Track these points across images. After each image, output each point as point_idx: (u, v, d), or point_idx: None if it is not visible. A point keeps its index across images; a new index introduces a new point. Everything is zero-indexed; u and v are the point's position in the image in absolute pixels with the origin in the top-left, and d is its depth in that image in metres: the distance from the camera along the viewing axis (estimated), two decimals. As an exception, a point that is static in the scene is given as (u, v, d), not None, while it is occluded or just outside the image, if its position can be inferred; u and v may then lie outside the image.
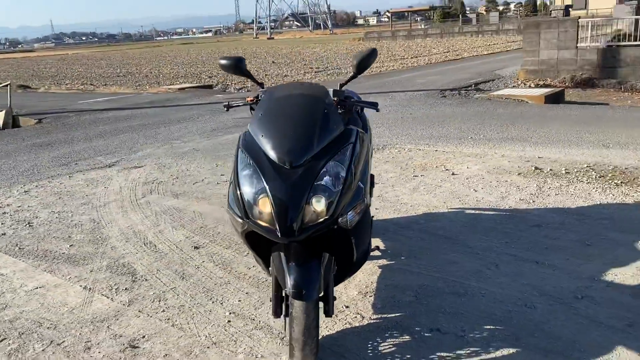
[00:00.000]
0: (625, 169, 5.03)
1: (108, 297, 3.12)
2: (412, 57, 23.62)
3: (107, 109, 11.56)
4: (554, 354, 2.34)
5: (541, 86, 11.39)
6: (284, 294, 2.31)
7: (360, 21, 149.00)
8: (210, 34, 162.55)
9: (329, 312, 2.32)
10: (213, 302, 3.00)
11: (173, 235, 4.05)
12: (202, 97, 12.99)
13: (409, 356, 2.39)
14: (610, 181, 4.69)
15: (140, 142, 7.72)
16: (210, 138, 7.80)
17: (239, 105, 2.88)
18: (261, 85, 2.80)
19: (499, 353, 2.37)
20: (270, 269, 2.41)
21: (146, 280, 3.33)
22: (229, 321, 2.79)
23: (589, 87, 11.28)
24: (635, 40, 11.26)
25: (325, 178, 2.17)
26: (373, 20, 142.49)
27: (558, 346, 2.39)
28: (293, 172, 2.17)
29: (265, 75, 18.02)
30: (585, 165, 5.20)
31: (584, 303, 2.74)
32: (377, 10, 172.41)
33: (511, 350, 2.38)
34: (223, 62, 2.74)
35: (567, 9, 12.88)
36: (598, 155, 5.58)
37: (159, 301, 3.05)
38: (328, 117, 2.33)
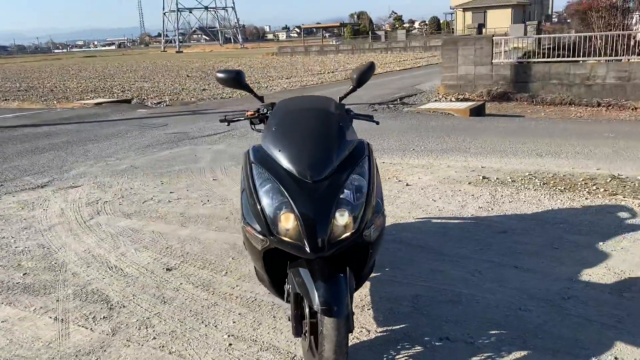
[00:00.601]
0: (564, 176, 5.41)
1: (87, 328, 2.88)
2: (329, 72, 24.01)
3: (21, 126, 10.73)
4: (563, 353, 2.45)
5: (462, 100, 12.01)
6: (306, 312, 2.25)
7: (270, 36, 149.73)
8: (113, 47, 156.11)
9: (349, 328, 2.28)
10: (206, 326, 2.85)
11: (138, 258, 3.81)
12: (124, 112, 12.42)
13: (427, 366, 2.41)
14: (554, 188, 5.02)
15: (70, 161, 7.23)
16: (146, 154, 7.46)
17: (239, 120, 2.79)
18: (261, 99, 2.76)
19: (512, 356, 2.44)
20: (287, 287, 2.35)
21: (124, 306, 3.11)
22: (230, 344, 2.67)
23: (505, 100, 12.03)
24: (543, 57, 12.19)
25: (348, 192, 2.15)
26: (282, 36, 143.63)
27: (563, 345, 2.50)
28: (316, 186, 2.13)
29: (183, 89, 17.54)
30: (527, 174, 5.53)
31: (571, 303, 2.90)
32: (287, 25, 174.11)
33: (523, 353, 2.46)
34: (221, 75, 2.66)
35: (480, 28, 13.70)
36: (535, 164, 5.95)
37: (146, 328, 2.86)
38: (343, 131, 2.32)
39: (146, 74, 27.00)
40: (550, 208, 4.48)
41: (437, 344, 2.57)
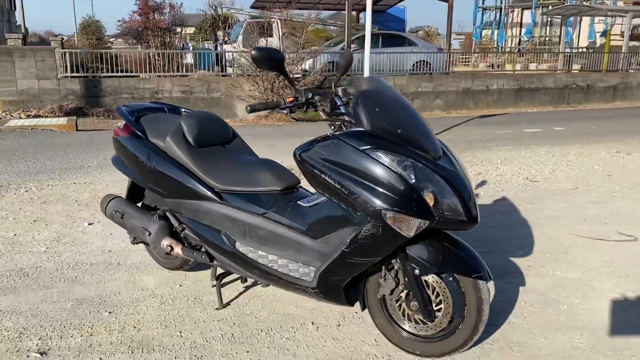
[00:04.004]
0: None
1: None
2: None
3: None
4: (497, 275, 3.23)
5: (34, 116, 10.73)
6: (437, 290, 2.25)
7: None
8: None
9: None
10: (236, 376, 2.23)
11: (-50, 362, 2.33)
12: None
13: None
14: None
15: None
16: None
17: (274, 108, 2.30)
18: (293, 84, 2.36)
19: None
20: (389, 280, 2.26)
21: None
22: (299, 376, 2.23)
23: (81, 116, 11.26)
24: (110, 72, 12.17)
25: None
26: None
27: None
28: (444, 162, 2.21)
29: None
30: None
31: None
32: None
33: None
34: (257, 53, 2.17)
35: (25, 39, 12.44)
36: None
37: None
38: None
39: None
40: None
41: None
